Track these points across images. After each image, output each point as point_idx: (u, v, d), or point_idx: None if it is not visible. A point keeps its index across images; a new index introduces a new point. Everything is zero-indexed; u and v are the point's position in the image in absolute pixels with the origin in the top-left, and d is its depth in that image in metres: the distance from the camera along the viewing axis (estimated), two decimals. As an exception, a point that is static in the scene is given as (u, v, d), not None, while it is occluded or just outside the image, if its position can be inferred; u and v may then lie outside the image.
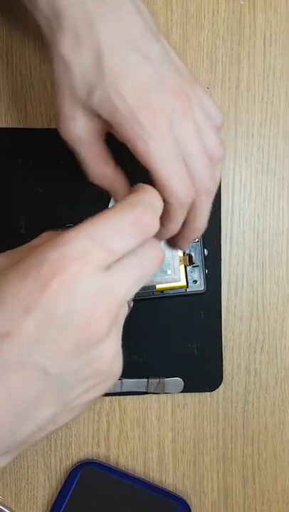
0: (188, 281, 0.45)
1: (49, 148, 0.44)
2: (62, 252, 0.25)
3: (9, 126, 0.45)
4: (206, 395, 0.47)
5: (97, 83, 0.31)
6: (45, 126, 0.45)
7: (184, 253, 0.45)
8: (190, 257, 0.45)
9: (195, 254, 0.45)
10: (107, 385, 0.28)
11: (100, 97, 0.32)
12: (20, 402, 0.25)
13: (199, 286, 0.45)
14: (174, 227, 0.36)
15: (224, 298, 0.47)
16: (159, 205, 0.29)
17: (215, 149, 0.35)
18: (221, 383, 0.46)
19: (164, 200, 0.32)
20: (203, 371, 0.46)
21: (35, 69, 0.45)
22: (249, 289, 0.47)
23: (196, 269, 0.45)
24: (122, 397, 0.46)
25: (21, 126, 0.45)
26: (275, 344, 0.47)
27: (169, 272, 0.44)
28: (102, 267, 0.26)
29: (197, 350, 0.46)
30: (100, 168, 0.36)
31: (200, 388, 0.46)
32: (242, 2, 0.46)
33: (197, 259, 0.45)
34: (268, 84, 0.47)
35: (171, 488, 0.46)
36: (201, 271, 0.45)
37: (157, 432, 0.46)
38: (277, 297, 0.47)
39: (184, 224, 0.36)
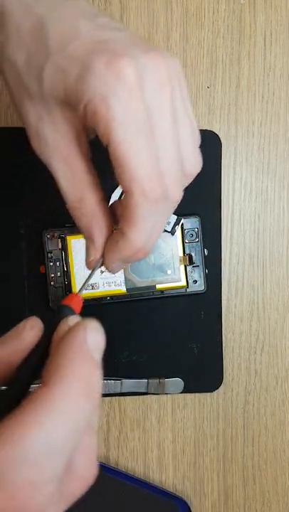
0: (189, 281, 0.45)
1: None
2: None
3: (9, 126, 0.45)
4: (206, 396, 0.47)
5: (43, 61, 0.25)
6: (45, 126, 0.45)
7: (184, 253, 0.44)
8: (190, 256, 0.44)
9: (195, 254, 0.44)
10: None
11: (50, 74, 0.25)
12: None
13: (199, 286, 0.45)
14: (137, 236, 0.25)
15: (224, 298, 0.47)
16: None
17: (190, 157, 0.26)
18: (221, 384, 0.46)
19: (124, 193, 0.25)
20: (203, 371, 0.46)
21: (34, 68, 0.45)
22: (249, 289, 0.47)
23: (196, 269, 0.45)
24: (121, 397, 0.46)
25: (21, 126, 0.45)
26: (275, 344, 0.47)
27: (169, 271, 0.44)
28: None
29: (197, 351, 0.46)
30: (74, 186, 0.27)
31: (200, 388, 0.46)
32: (242, 1, 0.46)
33: (197, 259, 0.45)
34: (268, 84, 0.46)
35: (171, 489, 0.46)
36: (201, 271, 0.45)
37: (157, 433, 0.46)
38: (278, 297, 0.47)
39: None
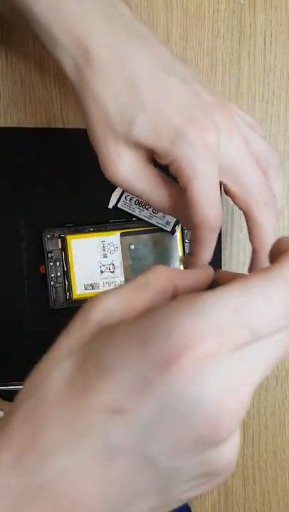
0: None
1: (49, 147, 0.44)
2: (198, 323, 0.20)
3: (9, 126, 0.45)
4: (207, 396, 0.47)
5: (137, 112, 0.30)
6: (45, 126, 0.45)
7: (184, 253, 0.44)
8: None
9: None
10: (217, 483, 0.24)
11: (143, 126, 0.30)
12: (120, 493, 0.21)
13: None
14: (206, 255, 0.34)
15: (224, 298, 0.47)
16: None
17: (269, 155, 0.35)
18: (221, 383, 0.46)
19: (194, 225, 0.32)
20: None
21: (34, 68, 0.45)
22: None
23: None
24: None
25: (21, 126, 0.45)
26: (275, 344, 0.47)
27: None
28: (239, 347, 0.21)
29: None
30: (165, 196, 0.34)
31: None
32: (242, 1, 0.46)
33: None
34: (268, 84, 0.46)
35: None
36: None
37: (157, 433, 0.46)
38: (278, 297, 0.47)
39: (253, 243, 0.35)
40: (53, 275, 0.44)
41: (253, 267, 0.36)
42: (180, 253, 0.44)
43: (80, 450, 0.21)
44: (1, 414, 0.45)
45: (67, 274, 0.44)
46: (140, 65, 0.31)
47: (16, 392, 0.45)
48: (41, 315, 0.44)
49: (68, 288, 0.44)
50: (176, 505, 0.24)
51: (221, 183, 0.33)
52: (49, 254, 0.44)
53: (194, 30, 0.46)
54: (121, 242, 0.44)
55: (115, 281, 0.44)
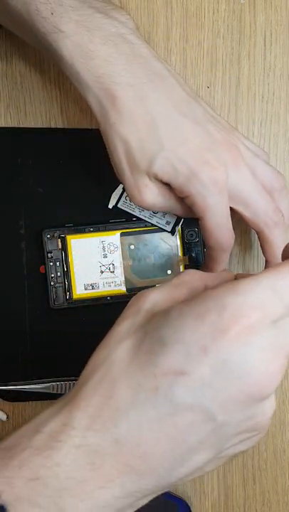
0: None
1: (49, 147, 0.44)
2: (243, 300, 0.25)
3: (9, 126, 0.45)
4: (207, 396, 0.47)
5: (157, 153, 0.35)
6: (45, 126, 0.45)
7: (184, 253, 0.44)
8: (190, 257, 0.44)
9: (195, 254, 0.45)
10: (258, 439, 0.29)
11: (162, 164, 0.35)
12: (183, 444, 0.25)
13: None
14: (220, 269, 0.40)
15: (224, 298, 0.47)
16: None
17: (273, 180, 0.39)
18: (221, 383, 0.46)
19: (209, 247, 0.38)
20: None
21: (34, 68, 0.45)
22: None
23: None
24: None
25: (21, 126, 0.45)
26: (275, 344, 0.47)
27: (169, 272, 0.44)
28: (277, 320, 0.26)
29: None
30: (187, 207, 0.38)
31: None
32: (242, 1, 0.46)
33: (197, 259, 0.45)
34: (268, 84, 0.46)
35: (171, 489, 0.46)
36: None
37: (157, 433, 0.46)
38: (278, 297, 0.47)
39: (265, 256, 0.40)
40: (53, 275, 0.44)
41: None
42: (180, 253, 0.44)
43: (150, 407, 0.25)
44: (1, 415, 0.45)
45: (67, 274, 0.44)
46: (158, 107, 0.35)
47: (16, 392, 0.45)
48: (41, 315, 0.44)
49: (68, 288, 0.44)
50: (223, 461, 0.29)
51: (234, 210, 0.38)
52: (49, 254, 0.44)
53: (194, 30, 0.46)
54: (121, 242, 0.44)
55: (115, 281, 0.44)
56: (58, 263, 0.44)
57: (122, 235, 0.44)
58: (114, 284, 0.44)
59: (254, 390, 0.25)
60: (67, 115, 0.45)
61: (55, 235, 0.44)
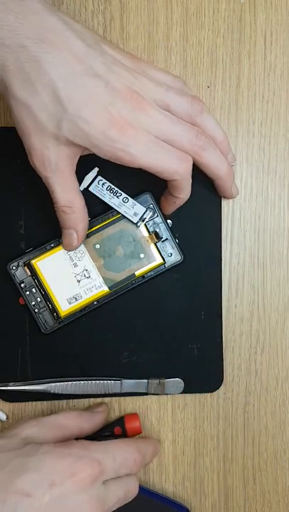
0: (164, 256, 0.44)
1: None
2: (95, 457, 0.36)
3: (9, 126, 0.45)
4: (207, 396, 0.46)
5: (62, 116, 0.34)
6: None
7: (149, 232, 0.44)
8: (156, 233, 0.44)
9: (159, 229, 0.44)
10: None
11: (69, 127, 0.35)
12: None
13: (176, 257, 0.44)
14: (186, 195, 0.41)
15: (225, 298, 0.47)
16: (149, 456, 0.42)
17: (188, 108, 0.39)
18: (221, 384, 0.46)
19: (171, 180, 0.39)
20: (203, 372, 0.46)
21: (34, 68, 0.45)
22: (250, 289, 0.47)
23: (166, 242, 0.44)
24: (121, 398, 0.46)
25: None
26: (275, 345, 0.47)
27: (142, 255, 0.44)
28: (106, 479, 0.37)
29: (197, 351, 0.46)
30: (67, 194, 0.38)
31: (200, 389, 0.46)
32: (242, 1, 0.46)
33: (163, 233, 0.44)
34: (268, 83, 0.46)
35: (171, 489, 0.46)
36: (172, 242, 0.44)
37: (157, 433, 0.46)
38: (278, 297, 0.47)
39: (209, 176, 0.41)
40: (33, 303, 0.43)
41: (219, 191, 0.44)
42: (145, 233, 0.44)
43: None
44: (1, 415, 0.45)
45: (46, 296, 0.43)
46: (55, 68, 0.33)
47: (16, 392, 0.44)
48: (37, 342, 0.44)
49: (53, 309, 0.43)
50: None
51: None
52: (22, 285, 0.43)
53: (194, 29, 0.46)
54: (85, 247, 0.43)
55: (95, 285, 0.44)
56: (33, 289, 0.43)
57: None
58: (94, 287, 0.44)
59: None
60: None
61: (20, 264, 0.43)
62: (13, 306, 0.44)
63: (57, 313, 0.43)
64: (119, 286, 0.44)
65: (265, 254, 0.47)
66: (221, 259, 0.46)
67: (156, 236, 0.44)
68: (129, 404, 0.46)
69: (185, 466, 0.46)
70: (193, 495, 0.46)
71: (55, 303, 0.43)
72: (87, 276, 0.44)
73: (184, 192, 0.40)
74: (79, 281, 0.43)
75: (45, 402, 0.45)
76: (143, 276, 0.44)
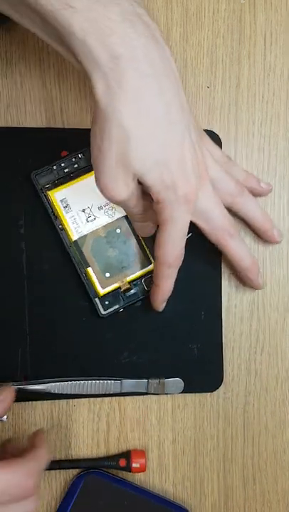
0: None
1: (49, 147, 0.44)
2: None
3: (9, 126, 0.45)
4: (207, 396, 0.47)
5: (154, 159, 0.34)
6: (45, 126, 0.45)
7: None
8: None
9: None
10: None
11: (154, 170, 0.35)
12: None
13: None
14: (166, 287, 0.42)
15: (224, 298, 0.47)
16: (43, 468, 0.38)
17: (233, 190, 0.42)
18: (221, 384, 0.46)
19: (155, 258, 0.40)
20: (203, 371, 0.46)
21: (34, 68, 0.45)
22: (250, 288, 0.47)
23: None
24: (121, 397, 0.46)
25: (21, 126, 0.45)
26: (275, 344, 0.47)
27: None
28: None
29: (197, 351, 0.46)
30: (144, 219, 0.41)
31: (200, 389, 0.46)
32: (242, 1, 0.46)
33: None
34: (268, 84, 0.46)
35: (171, 489, 0.46)
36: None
37: (157, 433, 0.46)
38: (278, 297, 0.47)
39: (232, 262, 0.44)
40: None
41: (241, 277, 0.46)
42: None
43: None
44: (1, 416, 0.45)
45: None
46: (166, 107, 0.34)
47: (16, 391, 0.44)
48: (38, 342, 0.44)
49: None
50: None
51: (194, 223, 0.40)
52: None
53: (194, 29, 0.46)
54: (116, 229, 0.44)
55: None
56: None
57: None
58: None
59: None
60: (67, 115, 0.45)
61: None
62: (13, 306, 0.44)
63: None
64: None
65: (265, 254, 0.47)
66: (221, 259, 0.46)
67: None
68: (129, 404, 0.46)
69: (185, 465, 0.46)
70: (193, 495, 0.46)
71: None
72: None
73: (162, 283, 0.41)
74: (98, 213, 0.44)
75: (45, 402, 0.45)
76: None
